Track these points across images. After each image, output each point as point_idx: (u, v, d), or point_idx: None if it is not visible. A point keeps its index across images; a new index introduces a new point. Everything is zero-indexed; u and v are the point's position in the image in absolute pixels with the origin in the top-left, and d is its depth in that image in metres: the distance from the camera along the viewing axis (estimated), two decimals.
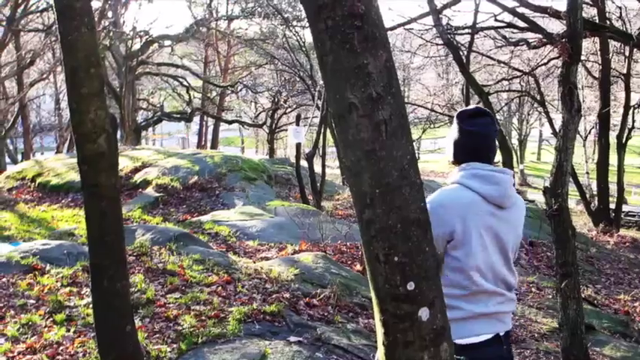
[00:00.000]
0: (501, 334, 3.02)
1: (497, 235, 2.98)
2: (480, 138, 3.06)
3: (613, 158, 19.00)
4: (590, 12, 17.78)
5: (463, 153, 3.09)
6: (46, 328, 5.16)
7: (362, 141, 2.08)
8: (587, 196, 20.25)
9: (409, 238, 2.12)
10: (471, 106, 3.26)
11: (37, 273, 6.36)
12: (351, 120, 2.08)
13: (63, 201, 13.34)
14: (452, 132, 3.15)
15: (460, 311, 2.89)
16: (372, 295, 2.24)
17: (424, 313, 2.16)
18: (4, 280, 6.14)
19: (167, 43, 27.09)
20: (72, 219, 10.94)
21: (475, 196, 2.95)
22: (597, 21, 15.23)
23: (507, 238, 3.02)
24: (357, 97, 2.05)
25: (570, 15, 5.82)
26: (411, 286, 2.13)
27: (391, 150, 2.08)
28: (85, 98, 3.56)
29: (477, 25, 14.81)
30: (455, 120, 3.13)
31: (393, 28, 14.96)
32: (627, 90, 18.56)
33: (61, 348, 4.83)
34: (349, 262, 8.29)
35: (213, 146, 37.17)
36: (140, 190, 13.67)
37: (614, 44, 18.09)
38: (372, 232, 2.14)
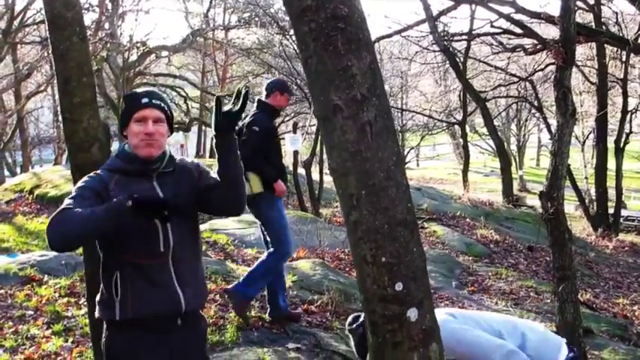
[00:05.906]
0: None
1: None
2: None
3: (611, 163, 19.00)
4: (586, 17, 17.81)
5: None
6: (45, 339, 5.15)
7: (347, 142, 2.08)
8: (586, 200, 20.24)
9: (396, 239, 2.12)
10: None
11: (34, 284, 6.36)
12: (336, 122, 2.08)
13: None
14: None
15: None
16: (361, 296, 2.25)
17: (413, 314, 2.16)
18: (2, 291, 6.14)
19: (164, 53, 27.08)
20: None
21: None
22: (593, 26, 15.25)
23: None
24: (341, 98, 2.05)
25: (563, 20, 5.85)
26: (399, 286, 2.13)
27: (377, 151, 2.08)
28: (78, 107, 3.57)
29: (474, 32, 14.83)
30: None
31: (389, 35, 15.03)
32: (624, 95, 18.56)
33: (59, 358, 4.84)
34: (347, 269, 8.28)
35: (212, 155, 37.12)
36: None
37: (611, 49, 18.10)
38: (359, 234, 2.14)
